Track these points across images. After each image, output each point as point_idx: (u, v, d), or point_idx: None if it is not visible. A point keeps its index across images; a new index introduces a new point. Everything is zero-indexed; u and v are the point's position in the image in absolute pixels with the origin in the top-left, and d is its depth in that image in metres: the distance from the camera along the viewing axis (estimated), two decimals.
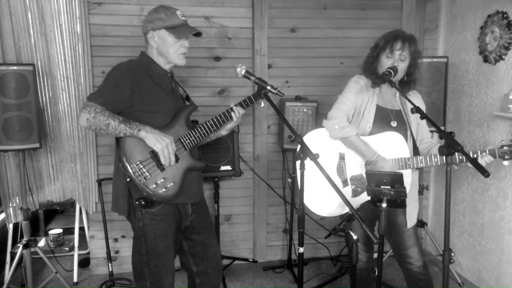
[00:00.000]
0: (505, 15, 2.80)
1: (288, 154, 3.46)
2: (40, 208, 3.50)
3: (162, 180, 1.98)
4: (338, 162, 2.29)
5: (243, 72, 2.12)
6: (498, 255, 2.93)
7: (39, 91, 2.94)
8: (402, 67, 2.18)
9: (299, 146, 1.85)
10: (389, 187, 1.84)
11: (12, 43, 2.88)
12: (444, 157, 1.99)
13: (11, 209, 3.04)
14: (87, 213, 3.38)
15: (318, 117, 3.18)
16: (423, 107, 2.30)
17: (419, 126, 2.32)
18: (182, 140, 2.08)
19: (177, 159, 2.02)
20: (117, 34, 3.12)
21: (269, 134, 3.45)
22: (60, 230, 3.86)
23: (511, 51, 2.78)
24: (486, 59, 2.99)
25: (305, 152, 1.79)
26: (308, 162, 1.80)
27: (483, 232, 3.08)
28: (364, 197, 2.17)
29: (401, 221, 2.30)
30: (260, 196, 3.50)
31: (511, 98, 2.71)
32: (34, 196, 3.11)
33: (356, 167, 2.28)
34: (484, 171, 1.71)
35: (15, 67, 2.68)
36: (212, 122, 2.14)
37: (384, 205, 1.87)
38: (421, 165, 2.17)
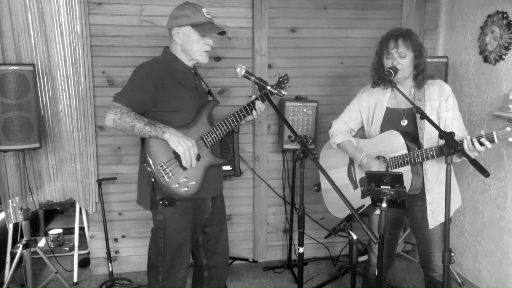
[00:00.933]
0: (505, 15, 2.80)
1: (288, 154, 3.46)
2: (40, 208, 3.50)
3: (185, 179, 2.03)
4: (348, 167, 2.42)
5: (243, 72, 2.12)
6: (498, 255, 2.93)
7: (39, 91, 2.94)
8: (405, 63, 2.15)
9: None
10: (389, 187, 1.84)
11: (12, 43, 2.88)
12: (437, 152, 2.03)
13: (11, 209, 3.04)
14: (87, 213, 3.38)
15: (318, 117, 3.18)
16: (446, 96, 2.18)
17: (441, 120, 2.18)
18: (204, 138, 2.11)
19: (199, 157, 2.06)
20: (117, 34, 3.12)
21: (269, 134, 3.45)
22: (60, 230, 3.86)
23: (511, 51, 2.78)
24: (486, 59, 2.99)
25: (305, 152, 1.80)
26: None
27: (483, 232, 3.08)
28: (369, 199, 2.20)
29: (422, 221, 2.21)
30: (260, 196, 3.50)
31: (511, 98, 2.71)
32: (34, 196, 3.11)
33: (361, 170, 2.32)
34: (484, 171, 1.72)
35: (15, 67, 2.68)
36: (233, 117, 2.15)
37: (384, 205, 1.87)
38: (418, 160, 2.10)
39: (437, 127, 1.95)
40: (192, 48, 2.10)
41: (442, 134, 1.85)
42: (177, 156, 2.01)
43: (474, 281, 3.17)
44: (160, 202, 2.05)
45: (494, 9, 2.91)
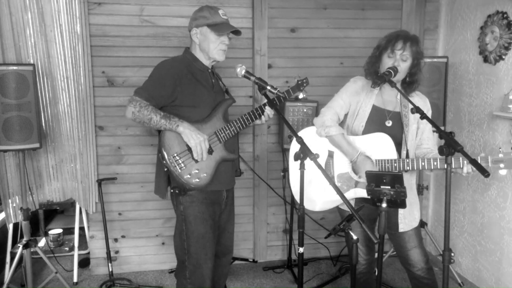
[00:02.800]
0: (505, 15, 2.80)
1: (288, 154, 3.45)
2: (40, 208, 3.50)
3: (196, 171, 2.14)
4: (326, 160, 2.32)
5: (243, 72, 2.15)
6: (498, 255, 2.93)
7: (39, 91, 2.94)
8: (404, 67, 2.17)
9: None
10: (389, 187, 1.84)
11: (12, 43, 2.87)
12: (436, 161, 2.07)
13: (11, 209, 3.04)
14: (87, 213, 3.38)
15: None
16: (427, 109, 2.25)
17: (419, 130, 2.26)
18: (217, 133, 2.22)
19: (211, 151, 2.18)
20: (117, 34, 3.12)
21: (269, 134, 3.45)
22: (60, 230, 3.86)
23: (511, 51, 2.78)
24: (486, 59, 2.99)
25: (305, 152, 1.80)
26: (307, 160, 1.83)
27: (483, 232, 3.08)
28: (348, 195, 2.24)
29: (394, 224, 2.27)
30: (260, 196, 3.50)
31: (511, 98, 2.71)
32: (34, 196, 3.11)
33: (343, 165, 2.29)
34: (484, 171, 1.71)
35: (15, 67, 2.68)
36: (248, 116, 2.27)
37: (384, 205, 1.87)
38: (408, 168, 2.13)
39: (437, 127, 1.95)
40: (209, 47, 2.21)
41: (442, 134, 1.85)
42: (190, 149, 2.13)
43: (474, 281, 3.17)
44: (171, 191, 2.20)
45: (494, 9, 2.91)
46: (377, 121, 2.25)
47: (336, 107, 2.32)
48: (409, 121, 2.22)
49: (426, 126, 2.23)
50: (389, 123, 2.24)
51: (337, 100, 2.33)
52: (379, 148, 2.19)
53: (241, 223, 3.50)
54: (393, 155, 2.17)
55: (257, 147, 3.43)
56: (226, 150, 2.25)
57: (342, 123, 2.38)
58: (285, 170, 3.07)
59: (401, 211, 2.23)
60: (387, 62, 2.18)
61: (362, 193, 2.20)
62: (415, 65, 2.19)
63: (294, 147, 2.40)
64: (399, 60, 2.15)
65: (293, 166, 2.36)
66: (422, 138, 2.27)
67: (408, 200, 2.17)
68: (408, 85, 2.24)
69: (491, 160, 2.04)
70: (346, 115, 2.37)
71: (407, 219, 2.27)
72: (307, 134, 2.35)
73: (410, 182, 2.28)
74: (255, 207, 3.51)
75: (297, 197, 2.22)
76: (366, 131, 2.25)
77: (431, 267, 2.31)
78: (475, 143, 3.11)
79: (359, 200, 2.27)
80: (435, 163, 2.10)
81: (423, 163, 2.11)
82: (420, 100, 2.28)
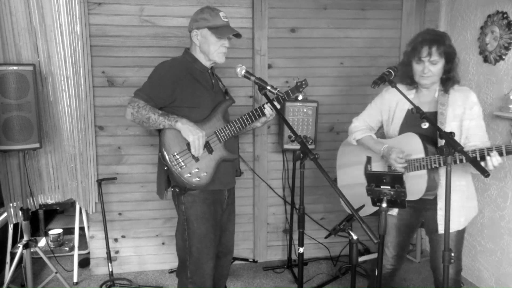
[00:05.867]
0: (505, 15, 2.80)
1: (288, 154, 3.46)
2: (40, 208, 3.50)
3: (196, 170, 2.15)
4: (364, 165, 2.43)
5: (243, 72, 2.16)
6: (498, 255, 2.93)
7: (39, 91, 2.94)
8: (436, 69, 2.10)
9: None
10: (389, 187, 1.84)
11: (13, 43, 2.87)
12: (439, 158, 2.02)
13: (11, 209, 3.04)
14: (87, 213, 3.38)
15: (318, 117, 3.18)
16: (471, 105, 2.13)
17: (464, 127, 2.13)
18: (217, 133, 2.23)
19: (211, 151, 2.20)
20: (117, 34, 3.12)
21: (269, 134, 3.45)
22: (60, 230, 3.86)
23: (511, 51, 2.78)
24: (486, 59, 2.99)
25: (305, 152, 1.80)
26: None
27: (483, 232, 3.08)
28: None
29: (434, 223, 2.20)
30: (260, 196, 3.50)
31: (511, 98, 2.71)
32: (34, 196, 3.11)
33: (379, 168, 2.34)
34: (484, 171, 1.71)
35: (15, 67, 2.68)
36: (247, 116, 2.27)
37: (384, 205, 1.87)
38: (435, 165, 2.05)
39: (437, 127, 1.94)
40: (209, 49, 2.22)
41: (442, 134, 1.85)
42: (189, 148, 2.13)
43: (474, 281, 3.17)
44: (172, 189, 2.21)
45: (494, 9, 2.91)
46: (412, 124, 2.19)
47: (365, 115, 2.42)
48: (447, 118, 2.13)
49: (471, 122, 2.11)
50: (425, 125, 2.16)
51: (367, 109, 2.43)
52: (408, 147, 2.15)
53: (241, 223, 3.50)
54: (421, 153, 2.11)
55: (257, 147, 3.43)
56: (226, 150, 2.26)
57: (382, 131, 2.43)
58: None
59: (440, 211, 2.15)
60: (417, 68, 2.13)
61: None
62: (448, 62, 2.11)
63: (341, 155, 2.63)
64: (428, 66, 2.09)
65: (341, 173, 2.60)
66: (469, 135, 2.13)
67: (454, 204, 2.05)
68: (445, 81, 2.17)
69: (506, 150, 1.90)
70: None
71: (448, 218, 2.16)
72: (348, 143, 2.51)
73: (456, 183, 2.14)
74: (255, 207, 3.51)
75: (345, 206, 2.24)
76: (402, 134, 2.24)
77: (458, 280, 2.22)
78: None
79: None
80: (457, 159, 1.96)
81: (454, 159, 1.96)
82: (461, 95, 2.16)
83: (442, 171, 2.13)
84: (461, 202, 2.18)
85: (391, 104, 2.30)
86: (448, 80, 2.15)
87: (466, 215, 2.22)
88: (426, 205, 2.22)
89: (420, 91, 2.24)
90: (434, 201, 2.19)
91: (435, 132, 2.10)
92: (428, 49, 2.06)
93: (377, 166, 2.36)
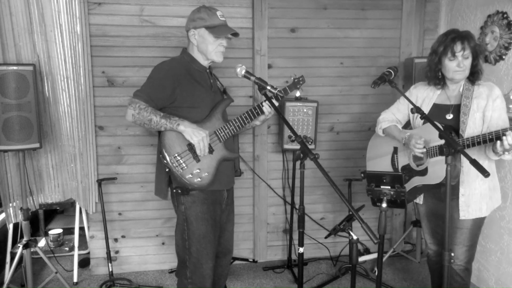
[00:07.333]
0: (505, 15, 2.80)
1: (288, 154, 3.46)
2: (40, 208, 3.50)
3: (198, 170, 2.15)
4: (391, 155, 2.52)
5: (243, 72, 2.16)
6: (498, 255, 2.93)
7: (39, 91, 2.94)
8: (468, 64, 2.20)
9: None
10: (389, 187, 1.85)
11: (12, 43, 2.88)
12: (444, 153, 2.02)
13: (11, 209, 3.04)
14: (87, 213, 3.38)
15: (318, 117, 3.18)
16: (494, 98, 2.21)
17: (486, 118, 2.21)
18: (217, 132, 2.24)
19: (212, 151, 2.19)
20: (117, 34, 3.12)
21: (269, 134, 3.45)
22: (60, 230, 3.86)
23: (511, 51, 2.78)
24: (486, 59, 2.99)
25: (305, 152, 1.80)
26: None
27: (483, 232, 3.07)
28: (410, 183, 2.34)
29: (454, 210, 2.24)
30: (260, 196, 3.50)
31: (511, 98, 2.71)
32: (34, 196, 3.11)
33: (405, 157, 2.42)
34: (484, 171, 1.71)
35: (15, 67, 2.68)
36: (246, 114, 2.27)
37: (384, 205, 1.87)
38: (452, 150, 2.09)
39: (437, 127, 1.95)
40: (207, 48, 2.22)
41: (442, 134, 1.85)
42: (190, 148, 2.14)
43: (474, 281, 3.17)
44: (174, 191, 2.20)
45: (494, 9, 2.91)
46: (437, 116, 2.29)
47: (393, 109, 2.54)
48: (470, 110, 2.22)
49: (493, 113, 2.20)
50: (449, 116, 2.27)
51: (396, 104, 2.54)
52: (427, 135, 2.24)
53: (241, 223, 3.50)
54: (440, 140, 2.17)
55: (257, 147, 3.43)
56: (227, 149, 2.26)
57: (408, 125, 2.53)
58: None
59: (462, 198, 2.21)
60: (450, 65, 2.21)
61: (419, 180, 2.30)
62: (475, 58, 2.22)
63: (371, 148, 2.71)
64: (462, 61, 2.18)
65: (370, 164, 2.70)
66: (490, 125, 2.21)
67: (478, 190, 2.21)
68: (471, 75, 2.26)
69: None
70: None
71: (471, 207, 2.23)
72: (378, 136, 2.62)
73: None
74: (255, 207, 3.51)
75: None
76: None
77: (469, 268, 2.29)
78: None
79: (418, 188, 2.33)
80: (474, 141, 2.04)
81: (467, 142, 2.07)
82: (486, 89, 2.25)
83: (463, 158, 2.14)
84: (484, 190, 2.25)
85: (418, 99, 2.41)
86: (474, 74, 2.25)
87: (488, 204, 2.27)
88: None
89: (446, 87, 2.33)
90: (456, 187, 2.24)
91: (458, 123, 2.21)
92: (461, 44, 2.17)
93: (402, 156, 2.45)
